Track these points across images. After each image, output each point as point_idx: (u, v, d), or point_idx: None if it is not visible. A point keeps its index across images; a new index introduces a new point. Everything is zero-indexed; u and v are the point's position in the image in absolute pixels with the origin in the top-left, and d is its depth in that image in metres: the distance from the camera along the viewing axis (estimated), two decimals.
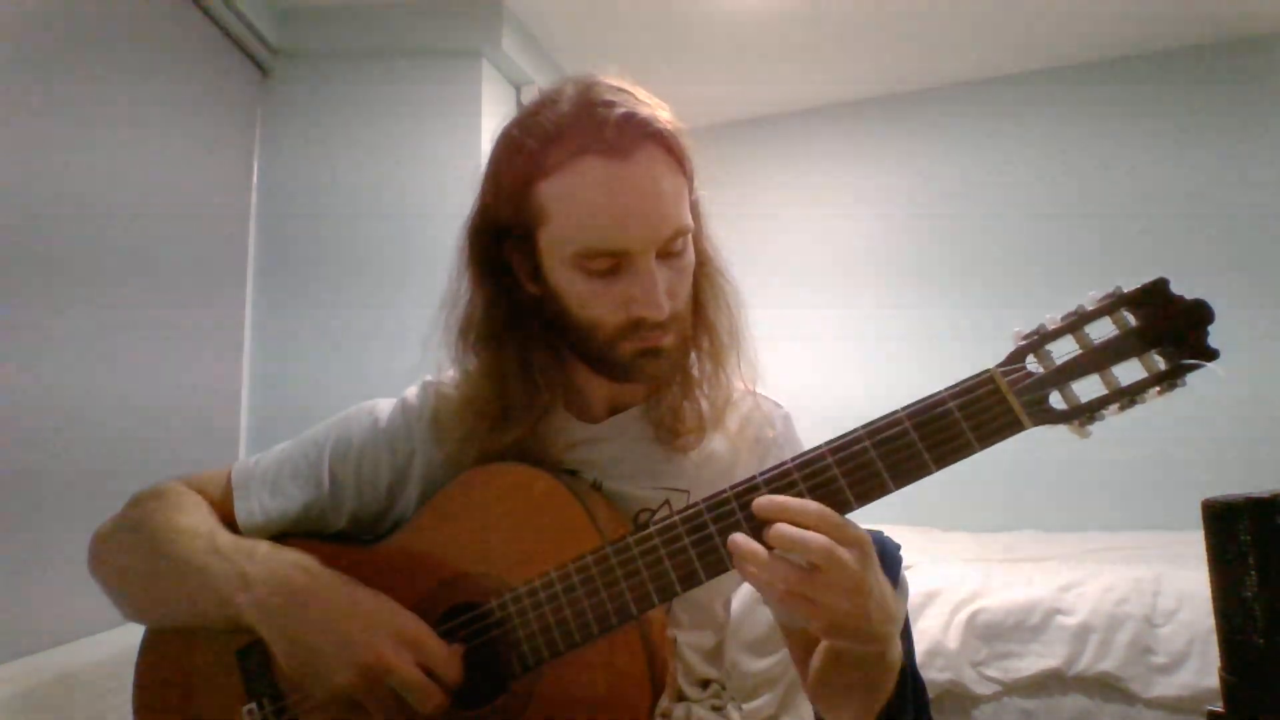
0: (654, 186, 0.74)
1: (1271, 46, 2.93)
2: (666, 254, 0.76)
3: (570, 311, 0.78)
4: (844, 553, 0.62)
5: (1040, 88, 3.21)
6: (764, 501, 0.65)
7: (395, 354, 1.96)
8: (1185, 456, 2.74)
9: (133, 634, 0.86)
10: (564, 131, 0.73)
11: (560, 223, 0.75)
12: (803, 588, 0.62)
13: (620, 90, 0.75)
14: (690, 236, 0.79)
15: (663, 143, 0.75)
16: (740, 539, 0.64)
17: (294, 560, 0.77)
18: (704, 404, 0.86)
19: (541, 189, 0.75)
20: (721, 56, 3.03)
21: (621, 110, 0.73)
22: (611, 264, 0.75)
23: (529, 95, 2.68)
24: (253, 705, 0.79)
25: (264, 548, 0.79)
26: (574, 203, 0.74)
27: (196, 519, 0.82)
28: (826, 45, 3.00)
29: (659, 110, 0.76)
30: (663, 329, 0.77)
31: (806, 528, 0.62)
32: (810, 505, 0.64)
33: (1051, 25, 2.89)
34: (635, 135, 0.73)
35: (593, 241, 0.74)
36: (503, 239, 0.81)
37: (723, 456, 0.88)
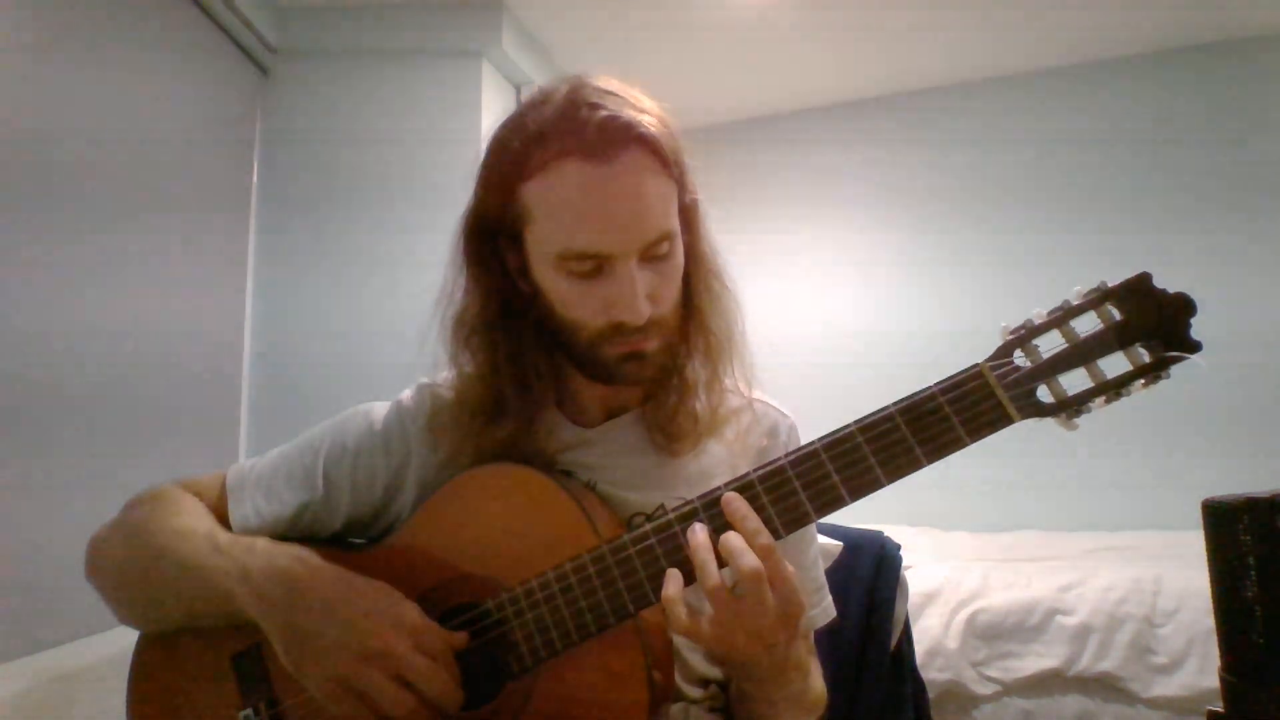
0: (635, 190, 0.74)
1: (1271, 46, 2.93)
2: (650, 258, 0.76)
3: (555, 312, 0.79)
4: (768, 593, 0.65)
5: (1040, 87, 3.21)
6: (732, 504, 0.69)
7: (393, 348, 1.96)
8: (1185, 456, 2.74)
9: (133, 634, 0.86)
10: (547, 134, 0.74)
11: (543, 224, 0.75)
12: (720, 598, 0.66)
13: (608, 93, 0.75)
14: (677, 240, 0.79)
15: (648, 146, 0.74)
16: (698, 529, 0.68)
17: (294, 553, 0.77)
18: (700, 409, 0.85)
19: (526, 190, 0.75)
20: (721, 56, 3.03)
21: (605, 113, 0.73)
22: (592, 266, 0.75)
23: (529, 95, 2.69)
24: (249, 711, 0.79)
25: (263, 543, 0.79)
26: (555, 205, 0.74)
27: (194, 520, 0.82)
28: (826, 45, 3.01)
29: (645, 114, 0.75)
30: (644, 333, 0.77)
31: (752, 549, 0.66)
32: (762, 537, 0.67)
33: (1052, 25, 2.89)
34: (618, 139, 0.73)
35: (572, 244, 0.74)
36: (496, 236, 0.81)
37: (719, 465, 0.87)
